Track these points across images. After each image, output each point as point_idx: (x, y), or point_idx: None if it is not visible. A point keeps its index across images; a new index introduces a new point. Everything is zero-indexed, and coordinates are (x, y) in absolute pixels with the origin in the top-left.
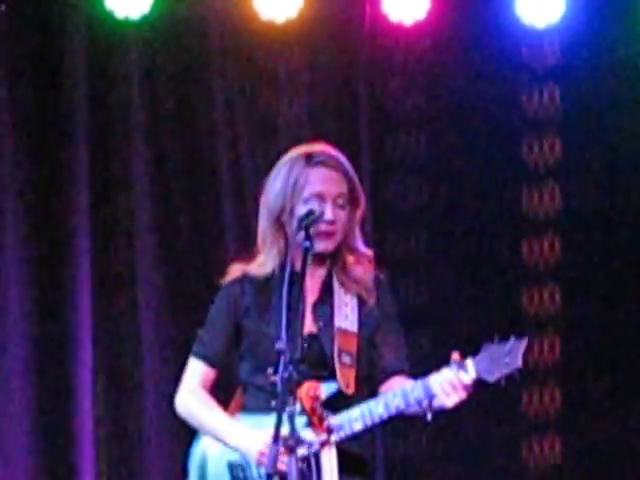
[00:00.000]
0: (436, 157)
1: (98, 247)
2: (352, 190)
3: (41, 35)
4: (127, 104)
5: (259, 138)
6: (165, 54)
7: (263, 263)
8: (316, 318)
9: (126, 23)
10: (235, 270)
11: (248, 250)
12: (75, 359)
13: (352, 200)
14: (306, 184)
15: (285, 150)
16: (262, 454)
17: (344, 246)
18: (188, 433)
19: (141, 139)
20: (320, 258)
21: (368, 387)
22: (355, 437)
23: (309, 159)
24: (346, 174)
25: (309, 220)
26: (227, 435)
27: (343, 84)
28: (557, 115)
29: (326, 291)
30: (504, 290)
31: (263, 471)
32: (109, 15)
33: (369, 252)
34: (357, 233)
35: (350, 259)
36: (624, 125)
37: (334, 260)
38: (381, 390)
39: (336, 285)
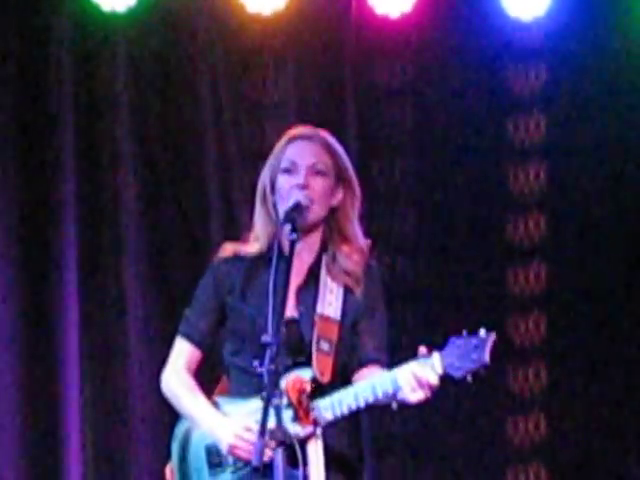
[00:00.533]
0: (423, 149)
1: (84, 237)
2: (339, 169)
3: (27, 28)
4: (114, 96)
5: (245, 131)
6: (152, 47)
7: (253, 242)
8: (298, 303)
9: (112, 16)
10: (226, 249)
11: (233, 236)
12: (62, 345)
13: (343, 182)
14: (283, 157)
15: (271, 140)
16: (232, 446)
17: (337, 233)
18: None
19: (128, 130)
20: (309, 242)
21: (346, 376)
22: (335, 432)
23: (289, 138)
24: (328, 149)
25: (296, 212)
26: (201, 421)
27: (330, 76)
28: (543, 104)
29: (312, 276)
30: (490, 269)
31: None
32: (95, 8)
33: (366, 242)
34: (355, 222)
35: (344, 249)
36: (611, 116)
37: (325, 246)
38: (354, 379)
39: (323, 272)
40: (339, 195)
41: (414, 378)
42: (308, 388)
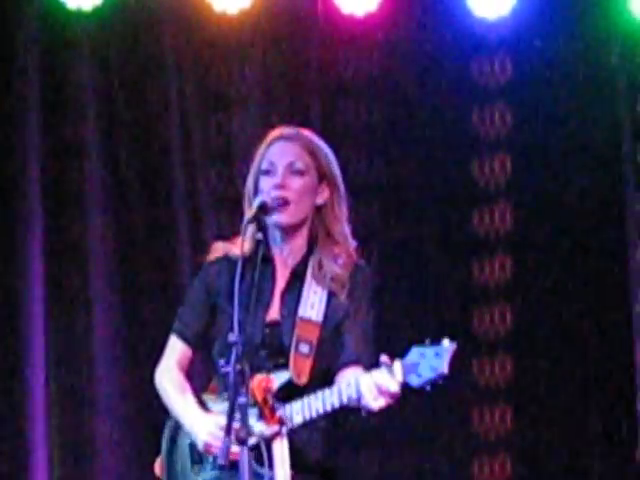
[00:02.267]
0: (388, 146)
1: (50, 261)
2: (322, 168)
3: None
4: (80, 95)
5: (211, 128)
6: (118, 45)
7: (240, 244)
8: (282, 306)
9: (78, 14)
10: (217, 249)
11: (201, 243)
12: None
13: (325, 180)
14: (263, 158)
15: (237, 137)
16: (207, 444)
17: (325, 233)
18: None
19: (95, 128)
20: (295, 244)
21: (328, 378)
22: (305, 432)
23: (269, 140)
24: (308, 148)
25: (261, 212)
26: (185, 419)
27: (296, 75)
28: (508, 103)
29: (296, 279)
30: (455, 262)
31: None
32: (61, 6)
33: (353, 244)
34: (343, 222)
35: (332, 251)
36: (576, 115)
37: (312, 248)
38: (336, 380)
39: (309, 275)
40: (324, 194)
41: (375, 386)
42: (274, 387)
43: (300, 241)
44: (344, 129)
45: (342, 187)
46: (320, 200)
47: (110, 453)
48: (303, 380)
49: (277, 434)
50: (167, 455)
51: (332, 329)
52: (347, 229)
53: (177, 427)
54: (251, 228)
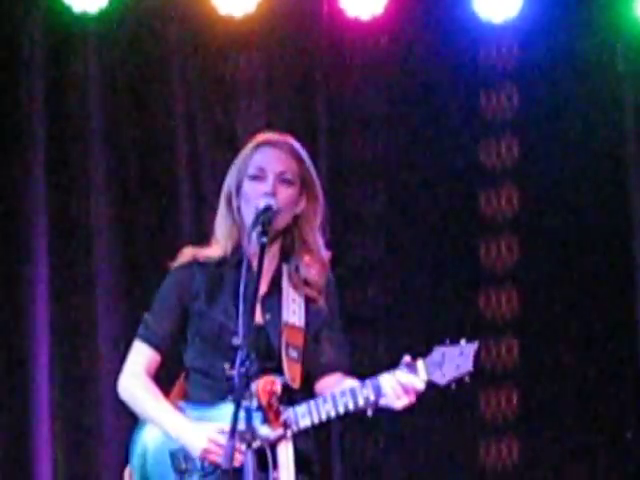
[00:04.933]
0: (395, 151)
1: (56, 246)
2: (305, 177)
3: None
4: (85, 98)
5: (216, 130)
6: (123, 48)
7: (216, 247)
8: (264, 310)
9: (84, 17)
10: (186, 254)
11: (203, 227)
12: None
13: (307, 190)
14: (250, 162)
15: (242, 140)
16: (206, 450)
17: (300, 242)
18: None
19: (98, 131)
20: (271, 250)
21: (309, 384)
22: (302, 436)
23: (257, 143)
24: (296, 157)
25: (267, 215)
26: (169, 426)
27: (301, 79)
28: (514, 113)
29: (275, 284)
30: (461, 292)
31: (206, 463)
32: (67, 9)
33: (327, 254)
34: (317, 233)
35: (306, 259)
36: (582, 118)
37: (285, 256)
38: (318, 386)
39: (285, 281)
40: (302, 203)
41: (399, 385)
42: (279, 390)
43: (276, 249)
44: (350, 132)
45: (321, 197)
46: (298, 210)
47: (116, 450)
48: (296, 384)
49: (282, 437)
50: (140, 466)
51: (312, 335)
52: (320, 239)
53: (149, 437)
54: (257, 230)
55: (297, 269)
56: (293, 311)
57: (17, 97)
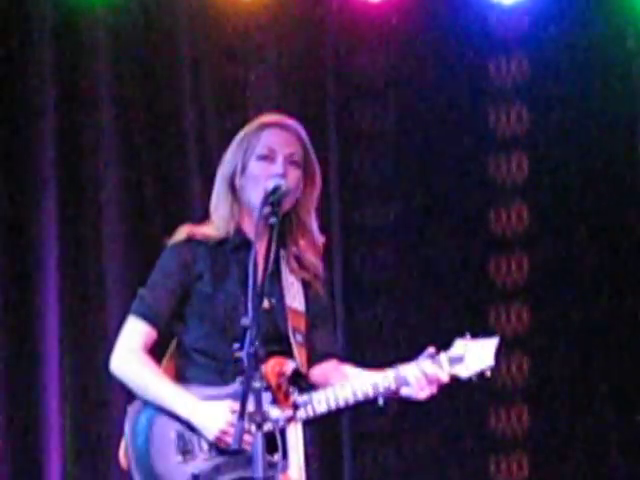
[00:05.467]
0: (404, 130)
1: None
2: (307, 161)
3: (7, 18)
4: (95, 78)
5: (226, 110)
6: (133, 34)
7: (216, 227)
8: (267, 294)
9: (94, 2)
10: (183, 231)
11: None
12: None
13: (307, 174)
14: (258, 142)
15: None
16: (223, 432)
17: (297, 226)
18: None
19: (110, 118)
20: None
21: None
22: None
23: (263, 124)
24: (300, 140)
25: (276, 195)
26: (179, 406)
27: (310, 60)
28: (525, 86)
29: (274, 269)
30: (474, 256)
31: (221, 444)
32: None
33: (322, 238)
34: (313, 215)
35: (301, 243)
36: (593, 102)
37: (283, 238)
38: (314, 372)
39: (283, 265)
40: (301, 186)
41: (424, 376)
42: (288, 371)
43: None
44: (360, 118)
45: (319, 180)
46: (299, 193)
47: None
48: (305, 369)
49: (291, 418)
50: (141, 445)
51: (311, 320)
52: (315, 222)
53: (150, 415)
54: (267, 210)
55: (295, 252)
56: (293, 295)
57: (27, 78)
